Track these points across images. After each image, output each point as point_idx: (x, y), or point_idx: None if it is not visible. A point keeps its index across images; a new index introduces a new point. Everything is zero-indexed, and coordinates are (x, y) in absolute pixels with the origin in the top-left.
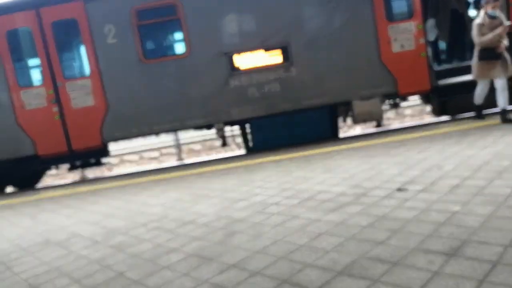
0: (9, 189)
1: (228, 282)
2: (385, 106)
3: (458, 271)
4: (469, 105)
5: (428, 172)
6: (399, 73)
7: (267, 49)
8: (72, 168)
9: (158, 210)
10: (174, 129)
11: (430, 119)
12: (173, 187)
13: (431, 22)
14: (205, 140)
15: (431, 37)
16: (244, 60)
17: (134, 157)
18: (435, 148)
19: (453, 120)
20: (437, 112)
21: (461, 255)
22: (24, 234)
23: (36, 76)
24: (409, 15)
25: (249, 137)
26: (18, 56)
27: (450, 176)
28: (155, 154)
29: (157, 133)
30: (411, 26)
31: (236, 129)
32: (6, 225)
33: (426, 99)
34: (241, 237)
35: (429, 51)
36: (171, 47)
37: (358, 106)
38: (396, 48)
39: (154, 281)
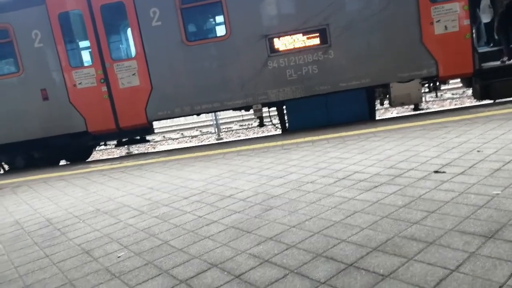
0: (62, 162)
1: (265, 253)
2: (425, 89)
3: (496, 253)
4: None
5: (468, 155)
6: (441, 56)
7: (305, 31)
8: (119, 144)
9: (199, 185)
10: (214, 110)
11: (470, 103)
12: (213, 164)
13: (484, 1)
14: (243, 120)
15: (486, 18)
16: (283, 42)
17: (176, 135)
18: (476, 132)
19: (496, 104)
20: (479, 95)
21: (499, 237)
22: (77, 203)
23: (86, 57)
24: None
25: (286, 117)
26: (69, 38)
27: (491, 160)
28: (196, 132)
29: (198, 113)
30: (456, 7)
31: (273, 109)
32: (60, 195)
33: (467, 82)
34: (277, 212)
35: (474, 32)
36: (212, 30)
37: (396, 88)
38: (439, 29)
39: (196, 249)
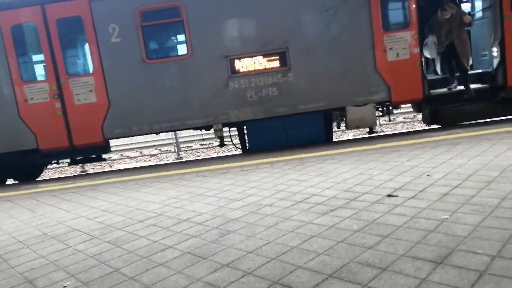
0: (10, 181)
1: (221, 281)
2: (378, 113)
3: (445, 279)
4: (459, 115)
5: (419, 179)
6: (393, 82)
7: (266, 53)
8: (73, 162)
9: (156, 207)
10: (174, 129)
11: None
12: (171, 185)
13: (431, 39)
14: (204, 139)
15: (432, 54)
16: (244, 64)
17: (134, 153)
18: (426, 156)
19: (443, 129)
20: (428, 120)
21: (448, 263)
22: (22, 227)
23: (39, 71)
24: (405, 25)
25: (246, 138)
26: (22, 51)
27: (440, 184)
28: (155, 151)
29: (157, 132)
30: (407, 35)
31: (234, 129)
32: (4, 217)
33: (417, 107)
34: (235, 237)
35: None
36: (173, 49)
37: (352, 112)
38: (391, 57)
39: (149, 277)
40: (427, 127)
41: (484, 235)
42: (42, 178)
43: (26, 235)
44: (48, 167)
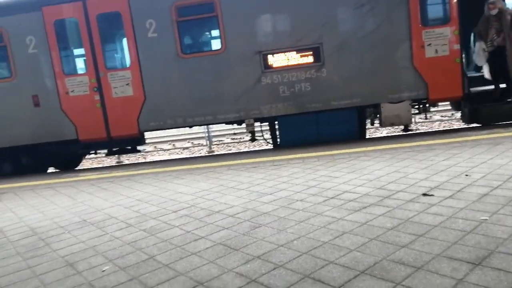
0: (51, 169)
1: (252, 273)
2: (414, 111)
3: (484, 281)
4: (501, 114)
5: (456, 179)
6: (431, 79)
7: (299, 49)
8: (110, 153)
9: (188, 199)
10: (206, 123)
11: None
12: (203, 177)
13: (479, 45)
14: (235, 134)
15: (481, 62)
16: (277, 59)
17: (167, 146)
18: (464, 155)
19: (483, 128)
20: (467, 119)
21: (487, 265)
22: (63, 213)
23: (80, 65)
24: (445, 21)
25: (278, 133)
26: (63, 45)
27: (479, 185)
28: (187, 144)
29: (190, 125)
30: (447, 31)
31: (265, 124)
32: (46, 203)
33: (456, 106)
34: (266, 230)
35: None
36: (207, 44)
37: (387, 109)
38: (429, 53)
39: (183, 266)
40: (465, 126)
41: None
42: (80, 168)
43: (66, 221)
44: (86, 157)
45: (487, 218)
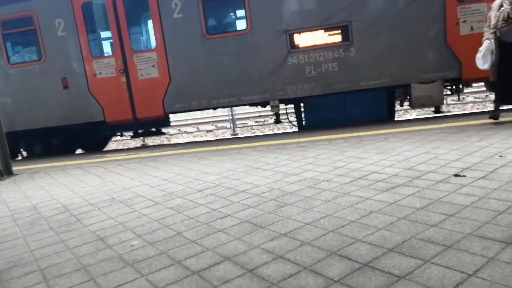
0: (79, 151)
1: (279, 249)
2: (447, 91)
3: None
4: None
5: (489, 160)
6: (466, 57)
7: (327, 27)
8: (135, 135)
9: (214, 178)
10: (231, 105)
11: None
12: (228, 158)
13: (488, 45)
14: (259, 117)
15: (485, 64)
16: (304, 38)
17: (191, 129)
18: (499, 136)
19: None
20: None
21: None
22: (92, 191)
23: (106, 47)
24: None
25: (303, 115)
26: (91, 28)
27: None
28: (211, 127)
29: (215, 107)
30: (484, 7)
31: (290, 106)
32: (76, 182)
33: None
34: (292, 209)
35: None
36: (232, 24)
37: (418, 89)
38: (464, 30)
39: (209, 242)
40: (501, 108)
41: None
42: (107, 149)
43: (96, 198)
44: (112, 139)
45: None
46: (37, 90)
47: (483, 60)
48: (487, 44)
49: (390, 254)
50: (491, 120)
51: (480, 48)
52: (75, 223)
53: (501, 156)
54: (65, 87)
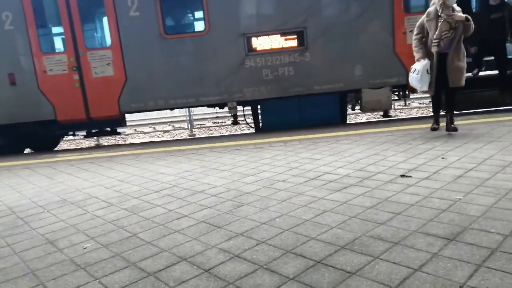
0: (27, 151)
1: (235, 249)
2: (394, 97)
3: (457, 255)
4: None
5: (433, 162)
6: (411, 65)
7: (283, 32)
8: (89, 135)
9: (171, 179)
10: (189, 105)
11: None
12: (185, 159)
13: (422, 64)
14: (217, 118)
15: (423, 86)
16: (261, 42)
17: (148, 129)
18: (441, 140)
19: (460, 114)
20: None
21: (461, 240)
22: (41, 193)
23: (58, 43)
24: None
25: (260, 117)
26: (42, 22)
27: (454, 167)
28: (168, 127)
29: (172, 108)
30: None
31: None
32: (24, 183)
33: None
34: (248, 209)
35: None
36: (191, 25)
37: (368, 94)
38: (411, 39)
39: (166, 243)
40: (442, 113)
41: (498, 215)
42: (58, 149)
43: (45, 200)
44: (64, 139)
45: (461, 197)
46: None
47: (420, 82)
48: (423, 64)
49: (342, 251)
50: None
51: (414, 67)
52: (22, 226)
53: (443, 158)
54: (12, 83)
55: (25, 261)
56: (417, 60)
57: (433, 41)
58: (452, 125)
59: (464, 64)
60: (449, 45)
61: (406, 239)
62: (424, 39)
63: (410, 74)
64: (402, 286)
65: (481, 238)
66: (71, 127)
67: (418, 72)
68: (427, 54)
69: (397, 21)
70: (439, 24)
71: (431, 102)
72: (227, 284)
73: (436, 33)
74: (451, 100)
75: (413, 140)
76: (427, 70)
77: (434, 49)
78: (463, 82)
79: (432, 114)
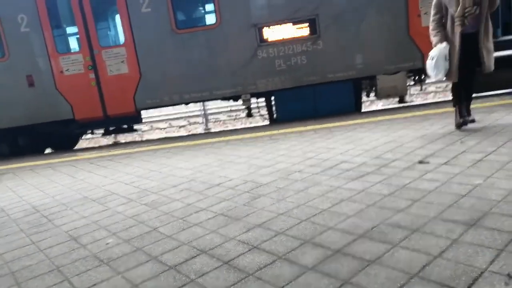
0: (48, 150)
1: (254, 240)
2: (410, 82)
3: (478, 240)
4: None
5: (451, 146)
6: (428, 48)
7: (295, 21)
8: (106, 133)
9: (188, 173)
10: (203, 99)
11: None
12: (201, 153)
13: (441, 50)
14: (231, 111)
15: (438, 74)
16: (273, 32)
17: (164, 125)
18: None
19: (478, 97)
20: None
21: (481, 225)
22: (64, 191)
23: (73, 43)
24: None
25: (274, 108)
26: (56, 23)
27: (473, 151)
28: (183, 122)
29: (187, 102)
30: None
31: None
32: (46, 182)
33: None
34: (265, 200)
35: None
36: (202, 18)
37: (383, 80)
38: (426, 22)
39: (185, 236)
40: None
41: None
42: (78, 148)
43: (68, 198)
44: (83, 137)
45: (481, 182)
46: (1, 88)
47: (435, 68)
48: (441, 48)
49: (360, 240)
50: (452, 108)
51: (431, 53)
52: (46, 223)
53: (461, 142)
54: (31, 85)
55: (50, 258)
56: (435, 46)
57: (456, 19)
58: (471, 117)
59: (492, 45)
60: (475, 23)
61: (425, 226)
62: (443, 20)
63: (427, 61)
64: (422, 273)
65: (503, 223)
66: (89, 125)
67: (434, 57)
68: (446, 38)
69: (411, 3)
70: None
71: (451, 91)
72: (247, 275)
73: (458, 9)
74: (472, 86)
75: (430, 126)
76: (446, 55)
77: (457, 29)
78: (493, 66)
79: (452, 104)
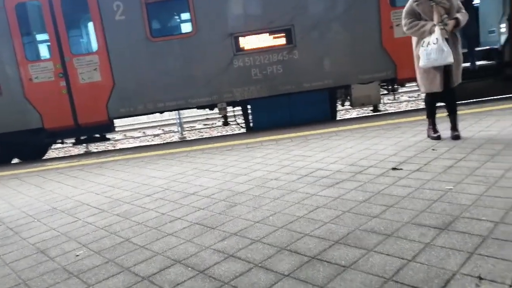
0: (15, 160)
1: (230, 248)
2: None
3: (449, 243)
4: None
5: (423, 153)
6: (399, 59)
7: (271, 31)
8: (78, 142)
9: (162, 183)
10: (178, 108)
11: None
12: (176, 162)
13: (437, 34)
14: (207, 119)
15: (446, 58)
16: (249, 41)
17: (138, 133)
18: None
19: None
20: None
21: (452, 229)
22: (31, 202)
23: (43, 50)
24: None
25: (250, 117)
26: (26, 30)
27: (444, 158)
28: (158, 131)
29: (162, 111)
30: None
31: (237, 109)
32: (13, 193)
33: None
34: (241, 209)
35: None
36: (178, 27)
37: (357, 90)
38: (398, 33)
39: (159, 246)
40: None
41: (488, 203)
42: (47, 157)
43: (35, 209)
44: (52, 147)
45: (452, 187)
46: None
47: (441, 52)
48: (439, 32)
49: (336, 246)
50: (424, 117)
51: (431, 39)
52: (13, 236)
53: (433, 149)
54: None
55: (16, 272)
56: (431, 32)
57: (438, 25)
58: (457, 132)
59: (462, 57)
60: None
61: (399, 230)
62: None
63: (424, 50)
64: (396, 277)
65: (473, 226)
66: (59, 134)
67: (438, 39)
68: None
69: (384, 16)
70: (434, 9)
71: (424, 102)
72: (223, 284)
73: (436, 18)
74: (455, 99)
75: (403, 133)
76: (446, 38)
77: (443, 33)
78: (460, 79)
79: (426, 116)
